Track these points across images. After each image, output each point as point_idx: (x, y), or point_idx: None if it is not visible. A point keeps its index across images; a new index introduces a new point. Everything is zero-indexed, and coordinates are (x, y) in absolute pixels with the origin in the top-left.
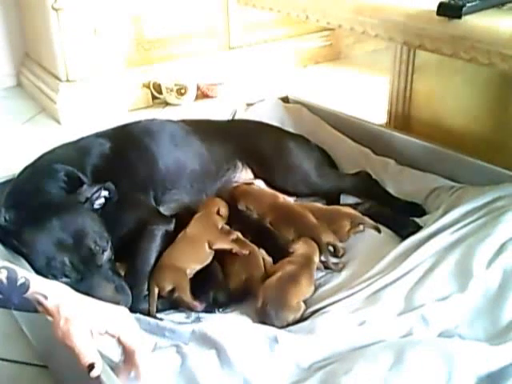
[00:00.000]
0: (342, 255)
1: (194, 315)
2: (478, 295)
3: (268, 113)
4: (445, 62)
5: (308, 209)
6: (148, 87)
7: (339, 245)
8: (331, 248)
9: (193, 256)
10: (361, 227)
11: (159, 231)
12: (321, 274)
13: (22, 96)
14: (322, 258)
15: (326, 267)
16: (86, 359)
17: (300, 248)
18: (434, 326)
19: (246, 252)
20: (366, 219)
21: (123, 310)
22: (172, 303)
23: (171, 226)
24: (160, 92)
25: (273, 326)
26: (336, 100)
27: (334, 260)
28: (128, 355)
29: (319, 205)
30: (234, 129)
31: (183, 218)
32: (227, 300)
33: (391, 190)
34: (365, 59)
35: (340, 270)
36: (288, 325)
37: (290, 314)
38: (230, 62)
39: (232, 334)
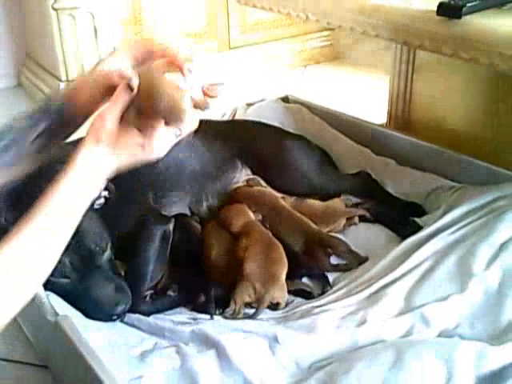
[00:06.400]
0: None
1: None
2: (478, 295)
3: (268, 113)
4: (445, 62)
5: (305, 210)
6: None
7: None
8: None
9: None
10: (356, 219)
11: (158, 231)
12: None
13: (22, 96)
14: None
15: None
16: None
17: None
18: (434, 326)
19: None
20: (360, 211)
21: None
22: (171, 303)
23: (170, 226)
24: None
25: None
26: (336, 100)
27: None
28: None
29: (313, 203)
30: (233, 129)
31: (183, 218)
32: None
33: (391, 190)
34: (365, 59)
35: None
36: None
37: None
38: (230, 61)
39: (232, 333)
